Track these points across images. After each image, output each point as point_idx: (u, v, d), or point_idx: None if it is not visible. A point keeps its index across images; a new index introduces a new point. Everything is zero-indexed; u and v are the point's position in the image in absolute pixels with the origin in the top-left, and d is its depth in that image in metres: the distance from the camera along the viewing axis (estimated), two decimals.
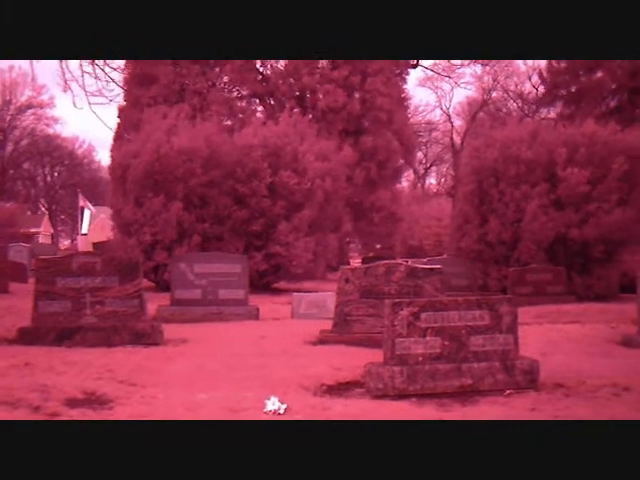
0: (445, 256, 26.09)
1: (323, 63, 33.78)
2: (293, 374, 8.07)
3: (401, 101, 36.46)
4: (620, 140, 20.64)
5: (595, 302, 18.32)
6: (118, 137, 32.03)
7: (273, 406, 6.29)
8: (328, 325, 11.21)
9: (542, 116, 40.98)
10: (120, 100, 33.25)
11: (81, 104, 29.79)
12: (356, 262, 32.87)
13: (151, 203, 20.49)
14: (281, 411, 6.24)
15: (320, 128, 27.06)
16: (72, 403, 6.59)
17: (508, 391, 7.35)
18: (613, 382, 7.86)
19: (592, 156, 20.26)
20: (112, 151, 22.98)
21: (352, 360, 8.79)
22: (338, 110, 31.95)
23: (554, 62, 36.23)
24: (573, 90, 35.01)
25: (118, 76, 18.04)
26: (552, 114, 39.33)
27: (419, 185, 68.65)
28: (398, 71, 36.91)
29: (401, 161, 36.60)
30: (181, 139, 20.94)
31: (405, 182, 57.89)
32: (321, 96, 32.22)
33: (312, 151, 22.71)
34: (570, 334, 12.29)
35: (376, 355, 7.78)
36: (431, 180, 73.74)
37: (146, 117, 24.54)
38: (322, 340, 10.81)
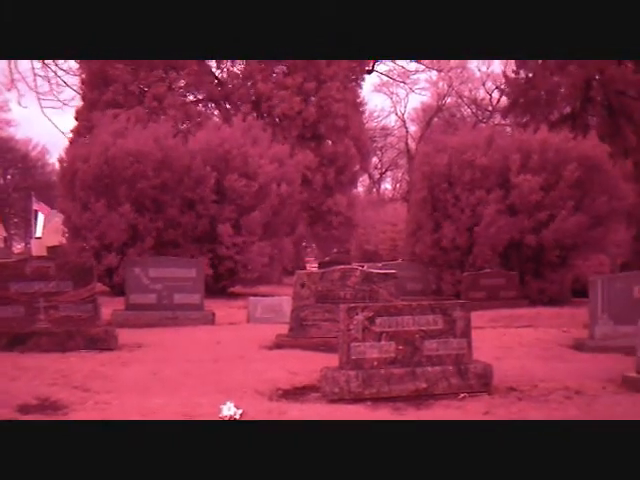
0: (400, 261, 26.21)
1: (279, 69, 33.77)
2: (249, 379, 8.08)
3: (357, 106, 36.57)
4: (572, 147, 20.93)
5: (548, 306, 18.53)
6: (75, 140, 31.67)
7: (229, 411, 6.29)
8: (284, 330, 11.22)
9: (496, 122, 41.43)
10: (77, 103, 33.02)
11: (27, 104, 29.46)
12: (313, 266, 32.93)
13: (96, 207, 20.28)
14: (237, 416, 6.24)
15: (276, 133, 27.04)
16: (25, 409, 6.53)
17: (462, 395, 7.43)
18: (565, 385, 7.99)
19: (545, 163, 20.51)
20: (61, 155, 22.64)
21: (308, 364, 8.81)
22: (293, 117, 31.96)
23: (513, 73, 36.69)
24: (530, 99, 35.42)
25: (72, 78, 17.84)
26: (507, 120, 39.77)
27: (374, 190, 68.89)
28: (354, 77, 37.02)
29: (357, 166, 36.72)
30: (129, 141, 20.76)
31: (361, 187, 58.06)
32: (276, 103, 32.18)
33: (266, 155, 22.69)
34: (523, 338, 12.44)
35: (332, 359, 7.83)
36: (386, 185, 74.11)
37: (96, 120, 24.34)
38: (278, 345, 10.82)
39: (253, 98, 33.28)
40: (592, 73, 33.57)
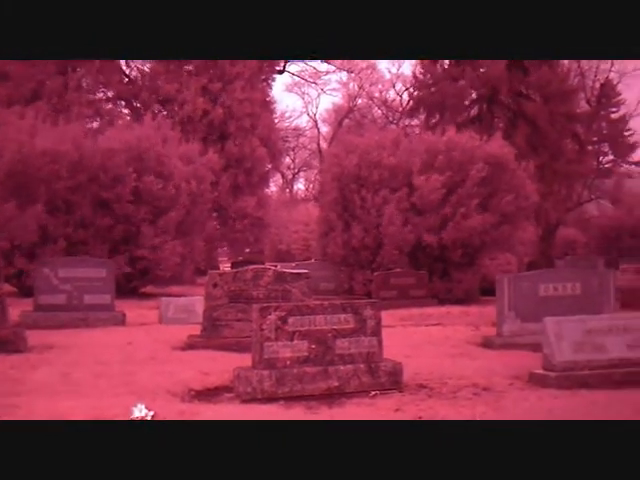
0: (313, 260, 26.36)
1: (185, 69, 33.44)
2: (161, 380, 8.02)
3: (267, 106, 36.50)
4: (478, 147, 21.35)
5: (457, 305, 18.87)
6: None
7: (140, 413, 6.24)
8: (197, 330, 11.17)
9: (406, 123, 41.98)
10: None
11: None
12: (226, 266, 32.75)
13: (5, 207, 19.73)
14: (148, 418, 6.20)
15: (183, 133, 26.81)
16: None
17: (373, 392, 7.53)
18: (473, 382, 8.16)
19: (451, 162, 20.86)
20: None
21: (221, 365, 8.79)
22: (199, 118, 31.73)
23: (419, 74, 37.23)
24: (437, 100, 36.00)
25: None
26: (416, 122, 40.35)
27: (288, 190, 68.95)
28: (263, 77, 36.95)
29: (268, 166, 36.67)
30: (45, 140, 20.30)
31: (274, 187, 58.05)
32: (182, 104, 31.89)
33: (176, 154, 22.52)
34: (433, 336, 12.65)
35: (245, 359, 7.83)
36: (299, 185, 74.23)
37: (1, 117, 23.68)
38: (190, 345, 10.77)
39: (160, 98, 32.91)
40: (496, 76, 34.36)
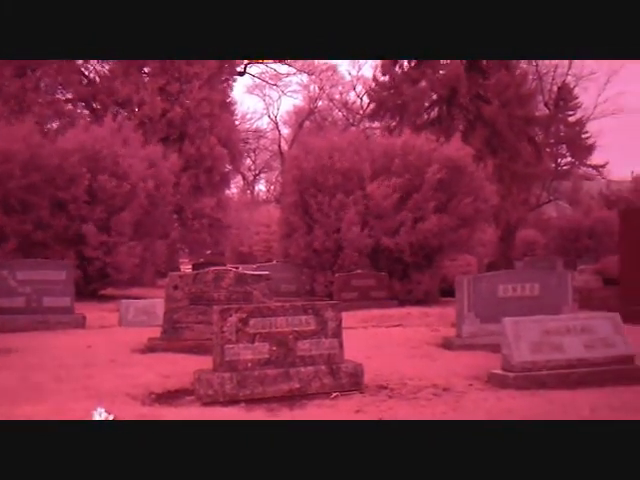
0: (274, 262, 26.35)
1: (142, 70, 33.22)
2: (121, 384, 7.97)
3: (227, 107, 36.38)
4: (435, 150, 21.48)
5: (417, 306, 18.98)
6: None
7: (100, 417, 6.20)
8: (157, 332, 11.11)
9: (367, 126, 42.13)
10: None
11: None
12: (187, 268, 32.62)
13: None
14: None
15: (142, 134, 26.64)
16: None
17: (334, 394, 7.55)
18: (433, 383, 8.23)
19: (408, 165, 20.96)
20: None
21: (181, 368, 8.77)
22: (158, 119, 31.55)
23: (379, 76, 37.38)
24: (398, 102, 36.18)
25: None
26: (376, 124, 40.51)
27: (248, 192, 68.87)
28: (223, 77, 36.84)
29: (229, 167, 36.56)
30: None
31: (234, 188, 57.93)
32: (140, 104, 31.68)
33: (137, 155, 22.39)
34: (393, 337, 12.70)
35: (206, 362, 7.82)
36: (261, 187, 74.21)
37: None
38: (151, 348, 10.70)
39: (119, 99, 32.66)
40: (455, 78, 34.64)
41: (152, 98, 31.10)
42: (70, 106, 35.07)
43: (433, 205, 20.51)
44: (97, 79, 34.20)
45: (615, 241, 25.64)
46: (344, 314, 8.44)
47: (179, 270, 30.09)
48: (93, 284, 21.39)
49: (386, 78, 37.18)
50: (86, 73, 35.31)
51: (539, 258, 35.94)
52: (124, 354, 10.37)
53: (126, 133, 23.69)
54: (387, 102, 36.78)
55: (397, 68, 36.90)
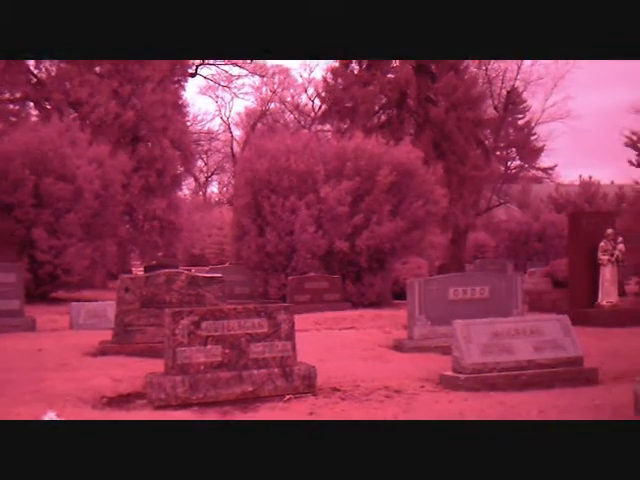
0: (227, 264, 26.29)
1: (94, 71, 32.85)
2: (72, 387, 7.90)
3: (179, 108, 36.19)
4: (385, 153, 21.59)
5: (370, 308, 19.09)
6: None
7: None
8: (109, 335, 11.04)
9: (319, 128, 42.21)
10: None
11: None
12: (139, 271, 32.35)
13: None
14: None
15: (96, 136, 26.38)
16: None
17: (287, 396, 7.57)
18: (385, 385, 8.29)
19: (359, 169, 21.07)
20: None
21: (133, 371, 8.72)
22: (111, 121, 31.25)
23: (330, 79, 37.45)
24: (348, 105, 36.29)
25: None
26: (327, 126, 40.60)
27: (201, 193, 68.58)
28: (176, 78, 36.64)
29: (181, 169, 36.36)
30: None
31: (187, 190, 57.64)
32: (94, 107, 31.32)
33: (85, 156, 22.17)
34: (346, 340, 12.75)
35: (158, 365, 7.78)
36: (213, 189, 73.92)
37: None
38: (102, 351, 10.63)
39: (71, 100, 32.26)
40: (405, 81, 34.88)
41: (106, 101, 30.79)
42: (16, 106, 34.50)
43: (388, 209, 20.62)
44: (48, 80, 33.70)
45: (564, 244, 26.04)
46: (297, 317, 8.47)
47: (131, 272, 29.87)
48: (43, 287, 21.15)
49: (337, 81, 37.27)
50: (36, 72, 34.81)
51: (489, 261, 36.34)
52: (75, 357, 10.28)
53: (74, 134, 23.43)
54: (338, 104, 36.86)
55: (348, 71, 37.02)
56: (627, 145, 22.07)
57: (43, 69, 34.18)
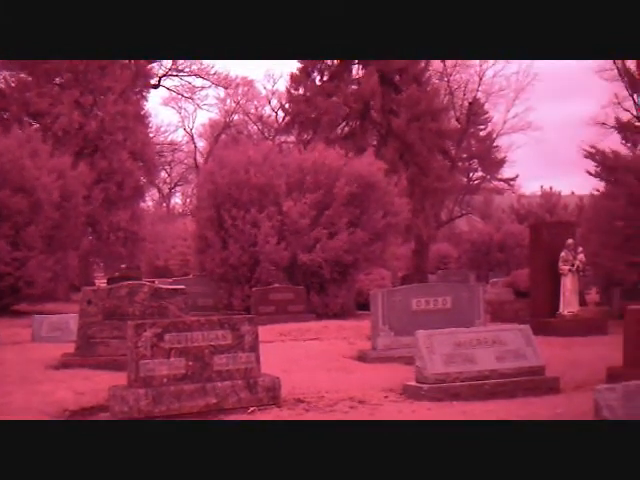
0: (191, 276, 26.18)
1: (55, 81, 32.59)
2: (34, 401, 7.84)
3: (141, 120, 35.99)
4: (346, 165, 21.65)
5: (334, 319, 19.11)
6: None
7: None
8: (71, 348, 10.96)
9: (282, 140, 42.22)
10: None
11: None
12: (102, 282, 32.10)
13: None
14: None
15: (58, 147, 26.14)
16: None
17: (251, 408, 7.57)
18: (350, 396, 8.31)
19: (319, 182, 21.11)
20: None
21: (96, 384, 8.67)
22: (73, 132, 30.99)
23: (292, 90, 37.49)
24: (311, 116, 36.37)
25: None
26: (290, 138, 40.64)
27: (164, 205, 68.24)
28: (137, 89, 36.46)
29: (143, 180, 36.14)
30: None
31: (150, 201, 57.31)
32: (56, 117, 31.05)
33: (46, 167, 21.97)
34: (310, 351, 12.78)
35: (121, 378, 7.74)
36: (177, 200, 73.59)
37: None
38: (65, 364, 10.55)
39: (32, 111, 31.94)
40: (369, 93, 35.05)
41: (69, 112, 30.55)
42: None
43: (346, 221, 20.69)
44: (7, 90, 33.33)
45: (525, 254, 26.30)
46: (261, 328, 8.48)
47: (94, 285, 29.60)
48: (5, 299, 20.92)
49: (298, 90, 37.35)
50: None
51: (452, 271, 36.61)
52: (37, 370, 10.19)
53: (35, 145, 23.22)
54: (301, 115, 36.93)
55: (309, 82, 37.11)
56: (586, 157, 22.46)
57: (2, 79, 33.80)
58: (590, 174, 23.54)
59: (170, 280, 24.34)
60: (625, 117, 32.35)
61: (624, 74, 32.42)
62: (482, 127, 51.20)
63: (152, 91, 44.36)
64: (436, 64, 42.76)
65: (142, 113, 36.74)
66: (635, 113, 32.91)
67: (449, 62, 44.21)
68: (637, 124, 31.10)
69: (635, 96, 32.54)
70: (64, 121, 30.33)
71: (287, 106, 39.49)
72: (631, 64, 31.63)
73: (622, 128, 30.32)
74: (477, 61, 46.04)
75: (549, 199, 48.35)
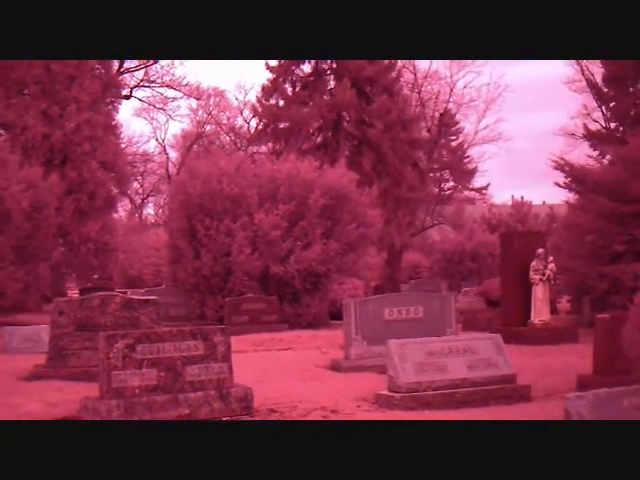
0: (164, 286, 26.10)
1: (23, 92, 32.39)
2: (5, 413, 7.79)
3: (112, 130, 35.83)
4: (319, 177, 21.65)
5: (307, 329, 19.13)
6: None
7: None
8: (43, 359, 10.89)
9: (254, 150, 42.20)
10: None
11: None
12: (74, 293, 31.91)
13: None
14: None
15: (26, 158, 25.97)
16: None
17: (224, 419, 7.57)
18: (322, 405, 8.34)
19: (292, 194, 21.13)
20: None
21: (68, 395, 8.63)
22: (38, 142, 30.79)
23: (264, 99, 37.48)
24: (283, 126, 36.42)
25: None
26: (264, 148, 40.63)
27: (137, 215, 67.91)
28: (108, 100, 36.34)
29: (115, 191, 35.96)
30: None
31: (123, 212, 56.97)
32: (24, 129, 30.84)
33: (15, 177, 21.81)
34: (283, 360, 12.81)
35: (93, 389, 7.72)
36: (149, 210, 73.25)
37: None
38: (36, 375, 10.49)
39: (1, 122, 31.71)
40: (342, 103, 35.15)
41: (35, 122, 30.36)
42: None
43: (320, 232, 20.71)
44: None
45: (497, 263, 26.45)
46: (234, 338, 8.48)
47: (66, 295, 29.43)
48: None
49: (269, 100, 37.35)
50: None
51: (424, 281, 36.74)
52: (8, 382, 10.13)
53: (5, 155, 23.05)
54: (273, 125, 36.96)
55: (277, 93, 37.13)
56: (555, 168, 22.67)
57: None
58: (559, 186, 23.78)
59: (142, 290, 24.24)
60: (594, 127, 32.70)
61: (592, 86, 32.75)
62: (453, 138, 51.45)
63: (124, 102, 44.30)
64: (407, 75, 43.04)
65: (113, 123, 36.57)
66: (603, 124, 33.22)
67: (420, 73, 44.54)
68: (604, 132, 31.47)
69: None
70: (30, 132, 30.16)
71: (258, 117, 39.46)
72: (597, 76, 31.98)
73: (591, 137, 30.67)
74: (448, 72, 46.42)
75: (520, 209, 48.75)
